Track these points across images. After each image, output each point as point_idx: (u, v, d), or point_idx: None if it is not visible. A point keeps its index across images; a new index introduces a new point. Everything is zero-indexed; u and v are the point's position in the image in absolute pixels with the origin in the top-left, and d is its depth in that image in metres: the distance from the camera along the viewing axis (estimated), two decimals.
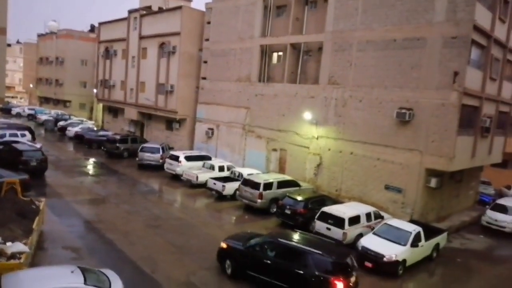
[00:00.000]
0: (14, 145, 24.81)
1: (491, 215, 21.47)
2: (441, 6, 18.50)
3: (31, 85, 75.52)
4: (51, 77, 61.89)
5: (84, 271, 9.43)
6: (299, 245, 12.23)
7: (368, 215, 17.33)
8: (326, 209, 17.07)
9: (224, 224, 18.98)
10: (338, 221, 16.24)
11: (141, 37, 38.39)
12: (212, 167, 25.43)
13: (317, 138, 23.72)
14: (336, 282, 11.08)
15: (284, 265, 11.92)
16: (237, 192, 21.58)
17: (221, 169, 25.44)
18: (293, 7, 25.58)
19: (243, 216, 20.27)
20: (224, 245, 13.41)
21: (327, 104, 23.35)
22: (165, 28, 35.01)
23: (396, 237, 15.06)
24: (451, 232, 19.15)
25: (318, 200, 19.23)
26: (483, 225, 21.64)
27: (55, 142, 38.22)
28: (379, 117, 20.79)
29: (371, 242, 15.04)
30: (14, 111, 58.46)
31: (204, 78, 32.74)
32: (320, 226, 16.70)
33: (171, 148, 31.93)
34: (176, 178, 26.23)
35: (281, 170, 25.93)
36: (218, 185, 22.47)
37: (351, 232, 16.24)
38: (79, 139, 37.87)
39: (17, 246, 10.95)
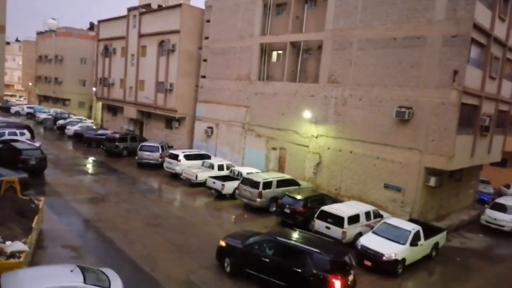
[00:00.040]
0: (13, 143, 24.82)
1: (490, 214, 21.49)
2: (441, 5, 18.48)
3: (30, 83, 75.36)
4: (50, 75, 61.71)
5: (83, 270, 9.45)
6: (297, 243, 12.26)
7: (367, 214, 17.36)
8: (325, 208, 17.08)
9: (223, 223, 18.97)
10: (337, 220, 16.26)
11: (141, 35, 38.28)
12: (211, 166, 25.40)
13: (317, 137, 23.70)
14: (334, 280, 11.12)
15: (282, 264, 11.96)
16: (237, 191, 21.58)
17: (220, 168, 25.42)
18: (293, 5, 25.53)
19: (242, 215, 20.27)
20: (223, 243, 13.44)
21: (326, 102, 23.33)
22: (165, 26, 34.94)
23: (395, 236, 15.08)
24: (450, 231, 19.18)
25: (318, 199, 19.22)
26: (482, 224, 21.67)
27: (54, 141, 38.16)
28: (379, 116, 20.77)
29: (370, 241, 15.06)
30: (13, 109, 58.26)
31: (203, 77, 32.69)
32: (319, 225, 16.73)
33: (171, 147, 31.93)
34: (175, 177, 26.21)
35: (281, 169, 25.93)
36: (218, 184, 22.47)
37: (351, 231, 16.26)
38: (78, 138, 37.76)
39: (17, 245, 10.94)
